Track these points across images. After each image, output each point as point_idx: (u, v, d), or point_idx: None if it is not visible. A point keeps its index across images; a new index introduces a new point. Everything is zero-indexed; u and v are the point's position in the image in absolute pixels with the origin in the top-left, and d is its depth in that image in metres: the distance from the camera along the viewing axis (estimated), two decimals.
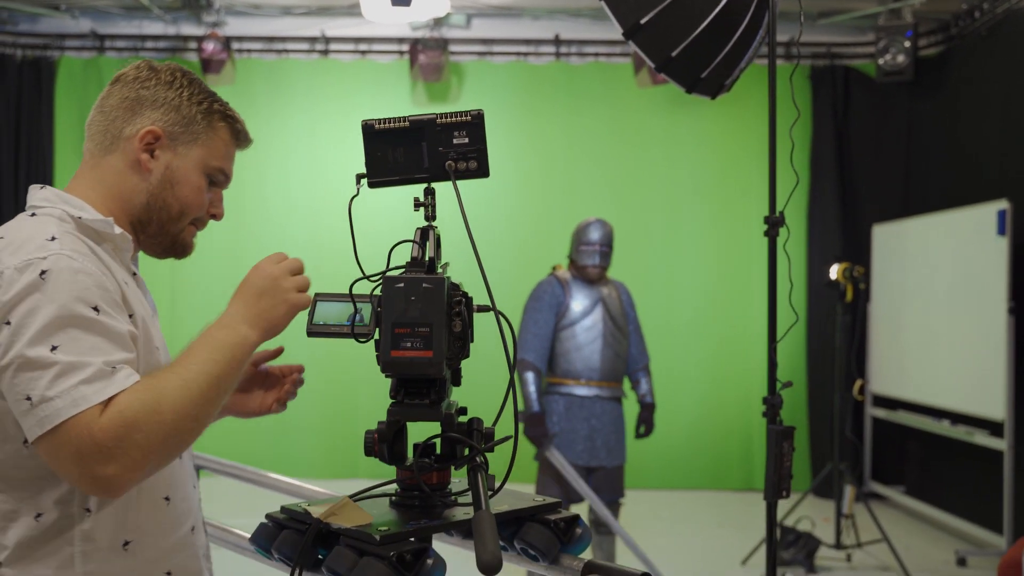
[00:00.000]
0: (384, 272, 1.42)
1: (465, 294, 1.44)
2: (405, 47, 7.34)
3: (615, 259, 4.59)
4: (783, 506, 5.50)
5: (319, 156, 7.32)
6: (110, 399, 1.15)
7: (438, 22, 7.21)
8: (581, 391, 4.37)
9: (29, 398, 1.14)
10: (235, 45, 7.28)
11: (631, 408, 4.62)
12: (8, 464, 1.23)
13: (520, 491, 1.56)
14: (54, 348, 1.14)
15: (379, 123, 1.51)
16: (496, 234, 6.97)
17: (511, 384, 1.48)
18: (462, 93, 7.44)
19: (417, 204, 1.51)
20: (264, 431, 6.83)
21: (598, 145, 7.42)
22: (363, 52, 7.41)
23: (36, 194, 1.38)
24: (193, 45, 7.28)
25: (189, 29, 7.39)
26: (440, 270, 1.47)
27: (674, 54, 2.30)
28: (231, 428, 2.59)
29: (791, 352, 7.16)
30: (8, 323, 1.15)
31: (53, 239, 1.20)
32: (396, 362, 1.35)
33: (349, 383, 7.05)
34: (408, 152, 1.51)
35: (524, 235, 7.19)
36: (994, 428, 5.53)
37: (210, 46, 7.06)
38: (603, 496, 4.32)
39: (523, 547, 1.45)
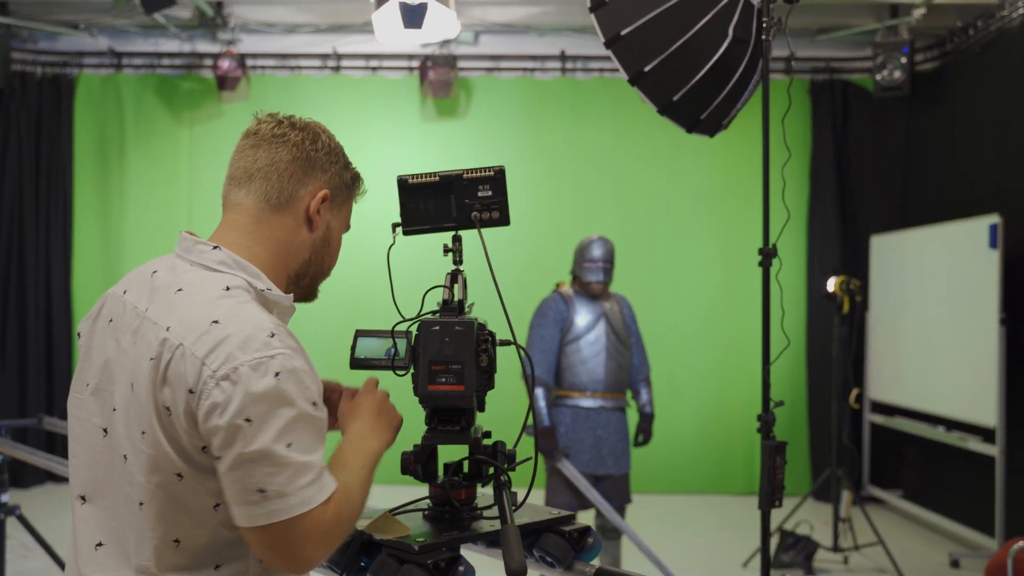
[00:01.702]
0: (418, 316, 1.62)
1: (491, 333, 1.63)
2: (415, 63, 7.54)
3: (620, 270, 4.73)
4: (784, 510, 5.68)
5: None
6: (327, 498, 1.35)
7: (447, 40, 7.40)
8: (586, 403, 4.52)
9: (263, 491, 1.28)
10: (249, 62, 7.48)
11: (635, 417, 4.79)
12: (202, 537, 1.37)
13: (537, 505, 1.76)
14: (289, 445, 1.29)
15: (412, 178, 1.71)
16: (502, 247, 7.13)
17: (531, 408, 1.69)
18: (470, 108, 7.64)
19: (446, 250, 1.71)
20: None
21: (603, 158, 7.61)
22: (374, 68, 7.61)
23: (209, 254, 1.44)
24: (208, 62, 7.49)
25: (204, 47, 7.60)
26: (467, 310, 1.67)
27: (675, 98, 2.49)
28: None
29: (792, 362, 7.33)
30: (249, 420, 1.28)
31: (272, 335, 1.33)
32: (432, 395, 1.55)
33: None
34: (438, 203, 1.70)
35: (530, 248, 7.33)
36: (987, 434, 5.70)
37: (225, 63, 7.26)
38: (611, 502, 4.49)
39: (541, 555, 1.64)
